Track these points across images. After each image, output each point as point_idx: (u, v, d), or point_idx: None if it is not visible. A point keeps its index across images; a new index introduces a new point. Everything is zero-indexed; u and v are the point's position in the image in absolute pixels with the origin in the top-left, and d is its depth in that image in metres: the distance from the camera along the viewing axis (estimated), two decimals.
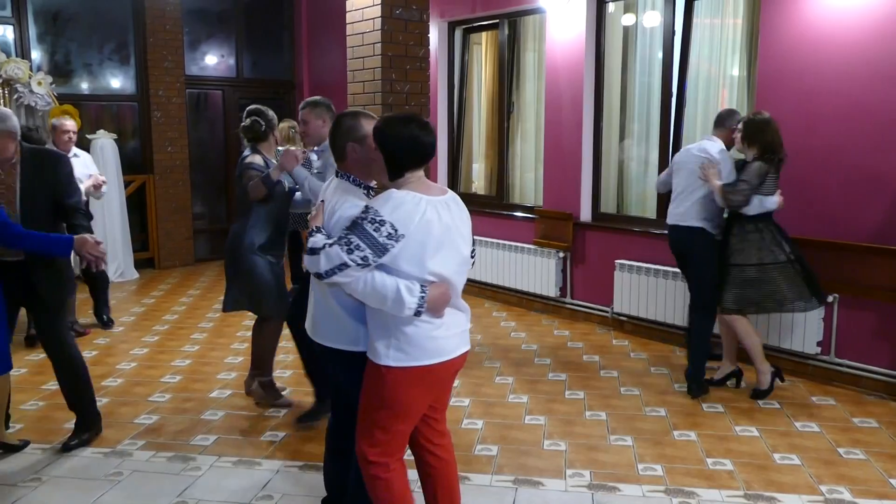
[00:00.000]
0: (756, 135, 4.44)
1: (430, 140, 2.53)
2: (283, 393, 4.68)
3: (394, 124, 2.53)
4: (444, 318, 2.51)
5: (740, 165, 4.60)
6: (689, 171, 4.67)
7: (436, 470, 2.78)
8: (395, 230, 2.36)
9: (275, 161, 4.35)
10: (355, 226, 2.40)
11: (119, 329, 6.34)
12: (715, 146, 4.64)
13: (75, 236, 3.54)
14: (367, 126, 2.67)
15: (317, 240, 2.46)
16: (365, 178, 2.73)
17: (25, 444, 3.98)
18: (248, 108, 4.44)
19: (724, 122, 4.72)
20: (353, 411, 2.69)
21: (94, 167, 6.29)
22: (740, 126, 4.55)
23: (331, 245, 2.41)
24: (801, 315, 4.89)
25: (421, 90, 5.29)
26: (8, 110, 3.87)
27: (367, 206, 2.44)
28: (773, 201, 4.49)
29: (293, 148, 4.18)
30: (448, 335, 2.53)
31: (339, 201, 2.63)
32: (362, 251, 2.37)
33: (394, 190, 2.47)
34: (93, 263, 3.55)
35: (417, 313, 2.42)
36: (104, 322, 6.37)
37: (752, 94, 5.48)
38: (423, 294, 2.40)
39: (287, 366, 5.30)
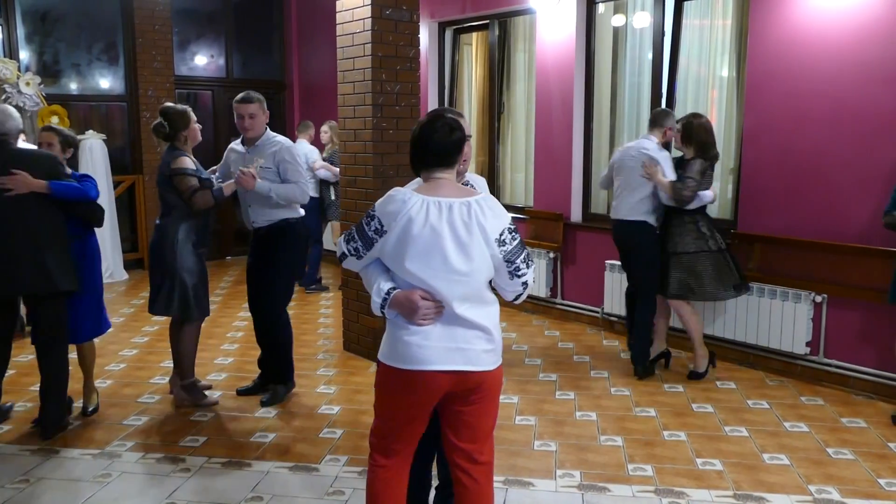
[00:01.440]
0: (693, 135, 4.81)
1: (435, 138, 2.42)
2: (206, 392, 4.67)
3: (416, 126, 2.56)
4: (428, 328, 2.38)
5: (678, 163, 4.93)
6: (630, 169, 4.97)
7: (467, 490, 2.57)
8: (381, 225, 2.39)
9: (192, 158, 4.32)
10: (360, 219, 2.47)
11: (108, 330, 6.28)
12: (653, 144, 4.94)
13: None
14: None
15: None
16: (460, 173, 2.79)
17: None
18: (160, 108, 4.39)
19: (660, 122, 5.02)
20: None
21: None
22: (679, 126, 4.89)
23: (343, 234, 2.54)
24: (790, 315, 4.93)
25: (411, 91, 5.29)
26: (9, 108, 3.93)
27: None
28: (709, 195, 4.85)
29: (248, 169, 4.21)
30: (428, 345, 2.38)
31: None
32: (356, 243, 2.47)
33: (395, 187, 2.49)
34: None
35: (382, 313, 2.43)
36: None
37: (740, 94, 5.50)
38: (387, 296, 2.40)
39: (223, 368, 5.28)
